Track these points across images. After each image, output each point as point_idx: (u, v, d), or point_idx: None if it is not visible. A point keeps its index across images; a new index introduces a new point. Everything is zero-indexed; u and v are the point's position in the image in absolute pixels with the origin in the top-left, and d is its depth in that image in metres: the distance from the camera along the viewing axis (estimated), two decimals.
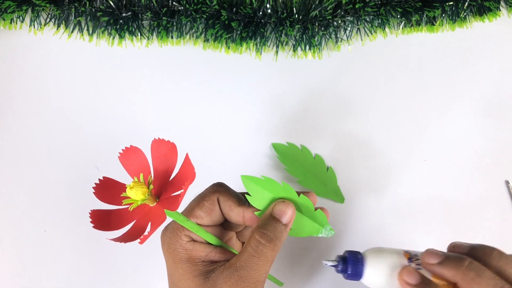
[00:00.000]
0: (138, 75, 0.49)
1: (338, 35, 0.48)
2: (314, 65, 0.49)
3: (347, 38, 0.48)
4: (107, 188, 0.30)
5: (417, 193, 0.46)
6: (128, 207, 0.27)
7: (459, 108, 0.49)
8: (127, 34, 0.47)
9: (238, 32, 0.46)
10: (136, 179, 0.27)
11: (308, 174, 0.46)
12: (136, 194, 0.26)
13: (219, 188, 0.31)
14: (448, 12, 0.48)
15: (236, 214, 0.30)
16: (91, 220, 0.27)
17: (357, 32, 0.49)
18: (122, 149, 0.29)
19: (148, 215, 0.27)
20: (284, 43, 0.48)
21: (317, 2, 0.45)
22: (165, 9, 0.45)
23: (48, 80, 0.49)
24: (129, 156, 0.30)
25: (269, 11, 0.45)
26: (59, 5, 0.45)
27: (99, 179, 0.30)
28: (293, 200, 0.30)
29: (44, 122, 0.48)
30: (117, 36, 0.47)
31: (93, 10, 0.45)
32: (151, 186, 0.27)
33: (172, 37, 0.48)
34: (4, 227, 0.45)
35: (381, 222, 0.45)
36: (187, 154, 0.26)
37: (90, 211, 0.27)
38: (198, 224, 0.30)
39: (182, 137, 0.48)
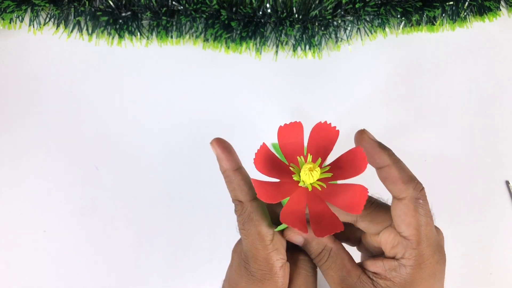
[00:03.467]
0: (137, 74, 0.49)
1: (338, 35, 0.48)
2: (314, 65, 0.49)
3: (347, 38, 0.48)
4: (267, 158, 0.28)
5: None
6: (284, 182, 0.26)
7: (459, 108, 0.49)
8: (126, 34, 0.47)
9: (238, 32, 0.46)
10: (305, 160, 0.26)
11: None
12: (310, 176, 0.25)
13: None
14: (448, 12, 0.48)
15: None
16: (257, 192, 0.25)
17: (357, 32, 0.49)
18: (286, 123, 0.27)
19: (301, 196, 0.26)
20: (284, 43, 0.48)
21: (317, 2, 0.45)
22: (164, 8, 0.45)
23: (47, 80, 0.49)
24: (289, 131, 0.27)
25: (269, 10, 0.45)
26: (58, 4, 0.45)
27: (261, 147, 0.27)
28: None
29: (43, 122, 0.48)
30: (116, 35, 0.47)
31: (93, 9, 0.45)
32: (322, 170, 0.26)
33: (171, 37, 0.48)
34: (3, 227, 0.45)
35: None
36: (361, 148, 0.25)
37: (254, 180, 0.26)
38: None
39: (181, 137, 0.48)
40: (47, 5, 0.45)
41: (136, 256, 0.45)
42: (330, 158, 0.27)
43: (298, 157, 0.27)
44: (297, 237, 0.30)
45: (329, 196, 0.26)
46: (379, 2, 0.46)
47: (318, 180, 0.26)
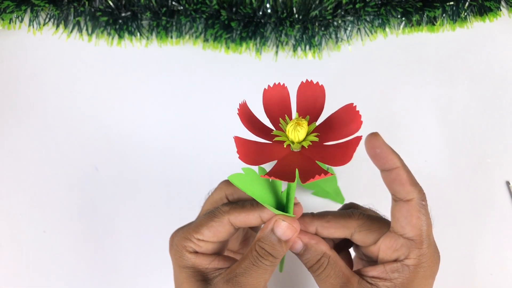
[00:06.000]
0: (137, 75, 0.49)
1: (338, 35, 0.48)
2: (314, 65, 0.49)
3: (347, 38, 0.48)
4: (248, 115, 0.26)
5: None
6: (272, 143, 0.24)
7: (460, 108, 0.49)
8: (126, 34, 0.47)
9: (238, 32, 0.46)
10: (297, 117, 0.24)
11: None
12: (298, 134, 0.23)
13: (230, 209, 0.30)
14: (449, 12, 0.48)
15: (254, 220, 0.30)
16: (237, 149, 0.24)
17: (357, 32, 0.49)
18: (269, 85, 0.27)
19: (291, 159, 0.24)
20: (284, 43, 0.47)
21: (317, 2, 0.45)
22: (164, 9, 0.45)
23: (47, 80, 0.49)
24: (274, 94, 0.27)
25: (269, 11, 0.45)
26: (58, 5, 0.45)
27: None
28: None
29: (42, 122, 0.48)
30: (116, 36, 0.47)
31: (92, 10, 0.45)
32: (311, 132, 0.24)
33: (171, 37, 0.48)
34: (3, 228, 0.45)
35: None
36: (351, 104, 0.24)
37: (235, 137, 0.24)
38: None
39: (181, 137, 0.48)
40: (46, 5, 0.45)
41: (136, 256, 0.45)
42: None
43: (282, 119, 0.25)
44: (296, 244, 0.30)
45: (320, 155, 0.24)
46: (380, 2, 0.46)
47: (308, 141, 0.24)
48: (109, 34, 0.47)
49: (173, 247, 0.32)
